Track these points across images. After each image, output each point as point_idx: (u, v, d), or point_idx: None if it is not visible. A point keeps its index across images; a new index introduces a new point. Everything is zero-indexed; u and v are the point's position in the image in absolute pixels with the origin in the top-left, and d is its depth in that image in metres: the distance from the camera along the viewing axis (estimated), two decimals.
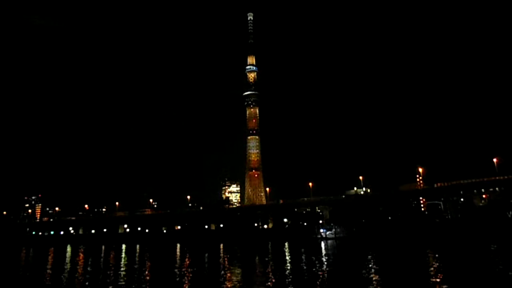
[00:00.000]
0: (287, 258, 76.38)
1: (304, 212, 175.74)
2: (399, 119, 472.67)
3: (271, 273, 54.97)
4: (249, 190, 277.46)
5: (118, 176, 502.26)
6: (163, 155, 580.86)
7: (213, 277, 53.67)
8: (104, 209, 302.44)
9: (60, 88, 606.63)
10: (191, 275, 57.02)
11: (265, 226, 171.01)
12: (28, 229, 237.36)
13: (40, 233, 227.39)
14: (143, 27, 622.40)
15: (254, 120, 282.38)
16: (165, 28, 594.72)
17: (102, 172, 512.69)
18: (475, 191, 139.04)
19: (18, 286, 54.35)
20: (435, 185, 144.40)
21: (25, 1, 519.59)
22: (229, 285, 46.80)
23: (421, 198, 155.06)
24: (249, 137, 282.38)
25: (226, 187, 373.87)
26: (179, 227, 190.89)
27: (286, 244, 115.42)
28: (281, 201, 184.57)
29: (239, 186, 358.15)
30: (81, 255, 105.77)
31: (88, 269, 69.63)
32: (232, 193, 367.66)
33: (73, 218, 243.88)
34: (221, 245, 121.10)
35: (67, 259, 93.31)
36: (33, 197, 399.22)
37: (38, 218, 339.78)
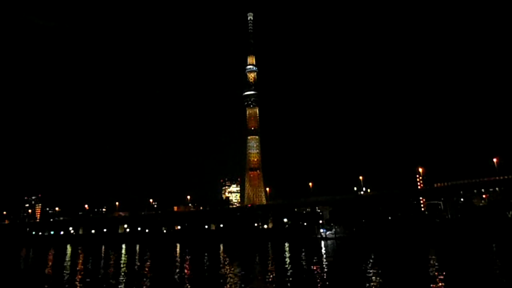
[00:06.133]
0: (287, 258, 76.33)
1: (304, 212, 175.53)
2: (399, 119, 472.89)
3: (271, 273, 54.96)
4: (249, 190, 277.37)
5: (118, 176, 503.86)
6: (163, 155, 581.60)
7: (213, 277, 53.62)
8: (104, 209, 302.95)
9: (60, 88, 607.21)
10: (191, 275, 57.02)
11: (265, 226, 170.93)
12: (28, 229, 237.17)
13: (40, 233, 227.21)
14: (143, 27, 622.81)
15: (254, 120, 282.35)
16: (166, 29, 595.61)
17: (102, 172, 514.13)
18: (475, 191, 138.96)
19: (18, 286, 54.31)
20: (435, 185, 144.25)
21: (28, 1, 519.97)
22: (229, 285, 46.72)
23: (421, 198, 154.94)
24: (249, 137, 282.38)
25: (226, 187, 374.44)
26: (179, 227, 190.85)
27: (286, 244, 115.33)
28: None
29: (239, 186, 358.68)
30: (81, 255, 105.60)
31: (88, 269, 69.54)
32: (232, 193, 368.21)
33: (73, 218, 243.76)
34: (221, 245, 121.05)
35: (67, 259, 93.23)
36: (33, 197, 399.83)
37: (38, 218, 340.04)
